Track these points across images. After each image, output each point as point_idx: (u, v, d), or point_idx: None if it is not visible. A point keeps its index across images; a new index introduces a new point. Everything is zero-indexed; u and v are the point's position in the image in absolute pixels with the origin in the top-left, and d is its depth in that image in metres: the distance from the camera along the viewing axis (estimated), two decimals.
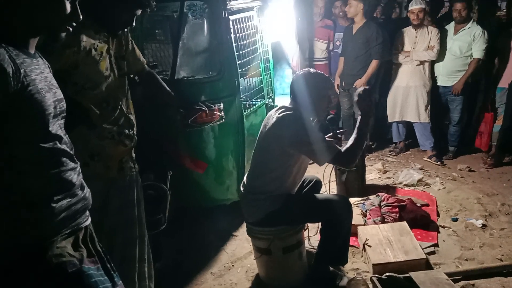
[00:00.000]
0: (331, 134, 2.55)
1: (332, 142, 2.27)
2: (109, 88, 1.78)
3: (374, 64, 4.19)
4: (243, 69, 2.98)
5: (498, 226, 3.03)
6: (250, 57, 3.06)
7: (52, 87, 1.19)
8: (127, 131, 1.87)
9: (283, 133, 2.24)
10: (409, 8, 4.18)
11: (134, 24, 1.83)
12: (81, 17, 1.21)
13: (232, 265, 2.71)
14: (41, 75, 1.15)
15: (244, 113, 2.95)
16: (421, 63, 4.21)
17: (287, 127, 2.23)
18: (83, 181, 1.29)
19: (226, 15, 2.79)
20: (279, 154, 2.27)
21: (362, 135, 2.23)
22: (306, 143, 2.19)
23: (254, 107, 3.18)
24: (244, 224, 2.55)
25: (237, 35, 2.89)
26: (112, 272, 1.31)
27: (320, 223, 2.47)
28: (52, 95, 1.16)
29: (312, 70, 2.43)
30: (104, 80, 1.76)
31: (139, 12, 1.81)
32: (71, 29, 1.20)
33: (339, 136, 2.55)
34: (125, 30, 1.93)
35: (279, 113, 2.31)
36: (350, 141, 2.22)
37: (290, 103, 2.39)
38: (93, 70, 1.71)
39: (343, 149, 2.21)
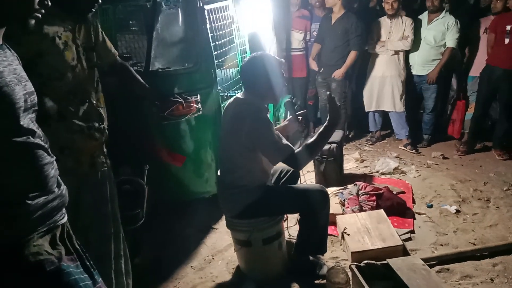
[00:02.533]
0: (291, 117, 2.53)
1: (285, 143, 2.16)
2: (77, 79, 1.72)
3: (353, 55, 4.22)
4: (220, 60, 2.95)
5: (470, 211, 3.13)
6: (226, 48, 3.03)
7: (22, 79, 1.15)
8: (97, 125, 1.82)
9: (240, 128, 2.17)
10: None
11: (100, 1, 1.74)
12: (50, 3, 1.16)
13: (213, 258, 2.70)
14: (9, 67, 1.10)
15: (222, 105, 2.92)
16: (396, 53, 4.27)
17: (242, 122, 2.16)
18: (59, 178, 1.25)
19: (201, 4, 2.74)
20: (241, 150, 2.22)
21: (323, 140, 2.20)
22: (261, 139, 2.15)
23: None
24: (224, 217, 2.54)
25: (213, 25, 2.84)
26: (92, 270, 1.29)
27: (298, 214, 2.49)
28: (22, 88, 1.12)
29: (256, 54, 2.30)
30: (71, 70, 1.69)
31: None
32: (40, 15, 1.16)
33: (299, 118, 2.52)
34: (94, 19, 1.85)
35: (233, 107, 2.27)
36: (309, 142, 2.15)
37: (243, 93, 2.32)
38: (58, 59, 1.64)
39: (297, 150, 2.14)
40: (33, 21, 1.16)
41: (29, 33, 1.53)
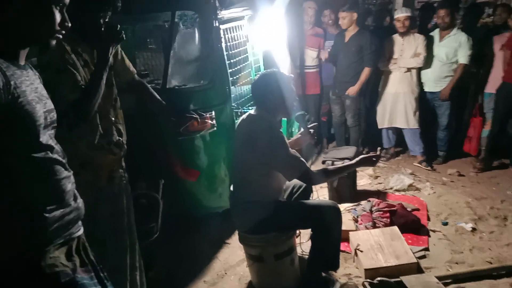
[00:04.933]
0: (303, 130, 2.56)
1: (300, 159, 2.23)
2: None
3: (366, 71, 4.24)
4: (235, 77, 3.01)
5: (487, 229, 3.08)
6: (241, 66, 3.10)
7: (43, 97, 1.20)
8: (115, 140, 1.88)
9: (254, 145, 2.21)
10: (395, 16, 4.26)
11: (100, 26, 1.75)
12: (70, 24, 1.22)
13: (225, 273, 2.71)
14: (31, 86, 1.16)
15: (236, 121, 2.97)
16: (409, 70, 4.27)
17: (257, 140, 2.21)
18: (76, 191, 1.30)
19: (217, 24, 2.82)
20: (255, 166, 2.25)
21: (345, 171, 2.41)
22: (276, 157, 2.19)
23: None
24: (237, 232, 2.56)
25: (228, 44, 2.92)
26: (106, 281, 1.32)
27: (311, 229, 2.49)
28: (42, 106, 1.18)
29: (265, 71, 2.36)
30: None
31: (107, 13, 1.78)
32: (61, 36, 1.22)
33: (311, 131, 2.55)
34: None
35: (247, 123, 2.31)
36: (330, 168, 2.38)
37: (255, 110, 2.36)
38: (76, 77, 1.71)
39: (316, 170, 2.30)
40: (54, 42, 1.23)
41: (61, 71, 1.63)
